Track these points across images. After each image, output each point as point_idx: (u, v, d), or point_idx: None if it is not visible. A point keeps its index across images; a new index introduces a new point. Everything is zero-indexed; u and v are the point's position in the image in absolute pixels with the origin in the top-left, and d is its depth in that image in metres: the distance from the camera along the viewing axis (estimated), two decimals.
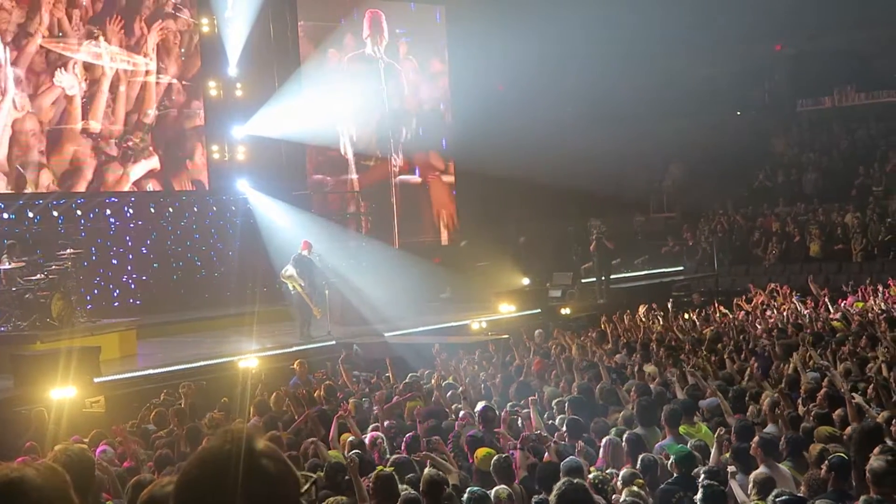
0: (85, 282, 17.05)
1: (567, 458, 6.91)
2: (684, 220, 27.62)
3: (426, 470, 6.80)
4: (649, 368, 10.93)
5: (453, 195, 25.52)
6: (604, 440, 7.74)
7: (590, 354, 12.54)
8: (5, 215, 17.75)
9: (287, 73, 21.96)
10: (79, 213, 18.73)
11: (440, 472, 6.67)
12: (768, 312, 15.96)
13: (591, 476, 6.55)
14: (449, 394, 10.38)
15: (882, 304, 15.46)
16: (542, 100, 25.17)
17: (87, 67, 19.13)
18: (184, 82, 20.76)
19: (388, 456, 7.88)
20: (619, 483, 6.58)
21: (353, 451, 7.52)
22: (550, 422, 9.01)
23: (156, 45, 20.20)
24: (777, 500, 5.57)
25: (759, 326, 14.28)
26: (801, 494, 6.01)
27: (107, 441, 8.89)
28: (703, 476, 6.34)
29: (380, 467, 6.86)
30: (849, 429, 7.26)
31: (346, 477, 6.81)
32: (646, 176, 29.49)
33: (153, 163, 20.22)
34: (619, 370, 11.28)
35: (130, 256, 19.55)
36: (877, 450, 5.76)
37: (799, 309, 15.55)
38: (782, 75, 31.80)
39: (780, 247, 24.47)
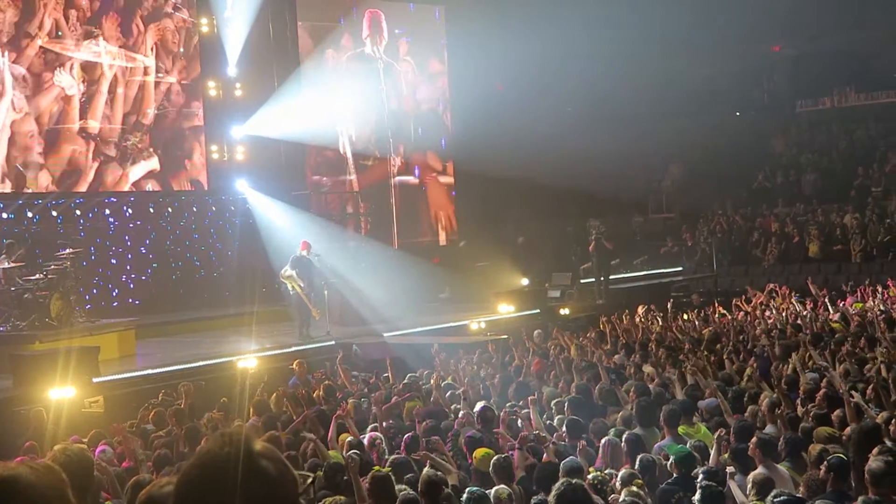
0: (84, 282, 17.04)
1: (566, 459, 6.91)
2: (683, 220, 27.59)
3: (425, 470, 6.80)
4: (648, 369, 10.93)
5: (452, 195, 25.51)
6: (603, 440, 7.73)
7: (589, 355, 12.52)
8: (4, 215, 17.73)
9: (286, 73, 21.94)
10: (78, 212, 18.72)
11: (439, 473, 6.66)
12: (767, 313, 15.95)
13: (589, 476, 6.54)
14: (448, 394, 10.38)
15: (881, 304, 15.45)
16: (541, 100, 25.16)
17: (86, 68, 19.10)
18: (183, 82, 20.75)
19: (386, 456, 7.88)
20: (617, 483, 6.57)
21: (352, 452, 7.51)
22: (549, 422, 9.01)
23: (154, 44, 20.19)
24: (776, 500, 5.56)
25: (758, 327, 14.28)
26: (800, 495, 6.00)
27: (106, 441, 8.89)
28: (701, 476, 6.34)
29: (376, 468, 6.85)
30: (848, 429, 7.26)
31: (345, 477, 6.81)
32: (645, 176, 29.49)
33: (152, 163, 20.20)
34: (618, 370, 11.26)
35: (129, 256, 19.54)
36: (875, 450, 5.77)
37: (798, 309, 15.56)
38: (782, 76, 31.83)
39: (780, 247, 24.45)
